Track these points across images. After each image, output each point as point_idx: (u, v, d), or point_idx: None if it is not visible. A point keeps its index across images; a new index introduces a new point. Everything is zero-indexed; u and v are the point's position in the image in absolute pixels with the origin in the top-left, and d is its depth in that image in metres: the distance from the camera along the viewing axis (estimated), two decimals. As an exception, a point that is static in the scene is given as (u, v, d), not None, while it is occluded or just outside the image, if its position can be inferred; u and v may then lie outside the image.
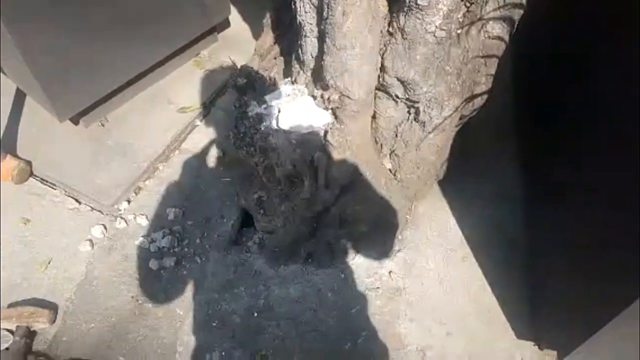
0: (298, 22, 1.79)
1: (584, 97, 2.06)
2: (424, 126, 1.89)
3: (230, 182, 2.40)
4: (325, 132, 1.86)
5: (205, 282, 2.12)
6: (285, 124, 1.81)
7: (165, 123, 2.58)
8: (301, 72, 1.99)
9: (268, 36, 2.37)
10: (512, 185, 2.45)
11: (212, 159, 2.49)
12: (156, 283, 2.11)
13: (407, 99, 1.82)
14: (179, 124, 2.59)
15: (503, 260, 2.19)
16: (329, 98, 1.80)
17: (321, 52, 1.75)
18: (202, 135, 2.58)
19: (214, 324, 2.03)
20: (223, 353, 1.96)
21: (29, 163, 2.37)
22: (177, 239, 2.23)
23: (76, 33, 2.16)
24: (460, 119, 1.96)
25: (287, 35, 2.22)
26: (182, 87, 2.74)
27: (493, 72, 1.84)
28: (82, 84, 2.31)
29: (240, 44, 2.97)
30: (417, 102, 1.81)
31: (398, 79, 1.75)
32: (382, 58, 1.72)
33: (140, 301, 2.07)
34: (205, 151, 2.51)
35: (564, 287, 1.95)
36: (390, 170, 2.10)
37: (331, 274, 2.15)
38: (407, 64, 1.68)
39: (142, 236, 2.23)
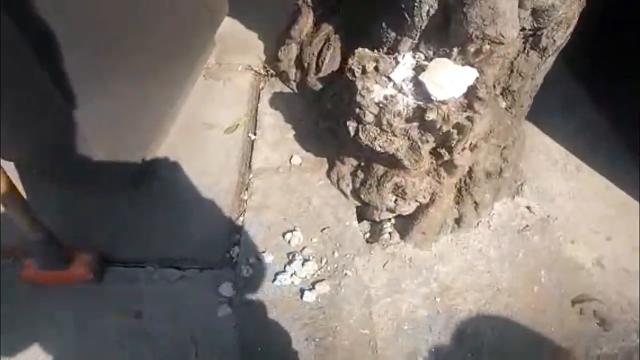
0: (415, -20, 1.64)
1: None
2: (544, 52, 1.86)
3: (323, 183, 2.20)
4: (474, 88, 1.74)
5: (369, 292, 1.95)
6: (440, 94, 1.67)
7: (220, 149, 2.26)
8: (404, 38, 1.84)
9: (305, 18, 2.17)
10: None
11: (294, 167, 2.25)
12: (321, 315, 1.90)
13: (533, 29, 1.77)
14: (234, 145, 2.28)
15: (618, 158, 2.29)
16: (476, 51, 1.68)
17: (457, 5, 1.62)
18: (266, 147, 2.31)
19: (405, 327, 1.89)
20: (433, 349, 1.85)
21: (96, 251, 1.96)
22: (315, 262, 2.01)
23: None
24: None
25: (346, 8, 2.04)
26: (210, 105, 2.41)
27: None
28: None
29: (238, 42, 2.67)
30: (543, 29, 1.77)
31: (533, 9, 1.68)
32: (519, -8, 1.65)
33: (317, 340, 1.85)
34: (280, 162, 2.25)
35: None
36: (505, 108, 2.05)
37: (480, 235, 2.10)
38: (547, -10, 1.62)
39: (277, 274, 1.98)
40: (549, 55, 1.88)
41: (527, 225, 2.12)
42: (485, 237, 2.09)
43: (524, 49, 1.87)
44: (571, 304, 1.93)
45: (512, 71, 1.94)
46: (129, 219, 2.07)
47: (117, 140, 1.90)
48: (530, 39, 1.83)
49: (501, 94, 2.02)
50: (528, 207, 2.16)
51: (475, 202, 2.03)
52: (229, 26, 2.68)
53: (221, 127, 2.34)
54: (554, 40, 1.81)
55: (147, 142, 2.13)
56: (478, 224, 2.10)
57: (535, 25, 1.75)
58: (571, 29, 1.80)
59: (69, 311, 1.84)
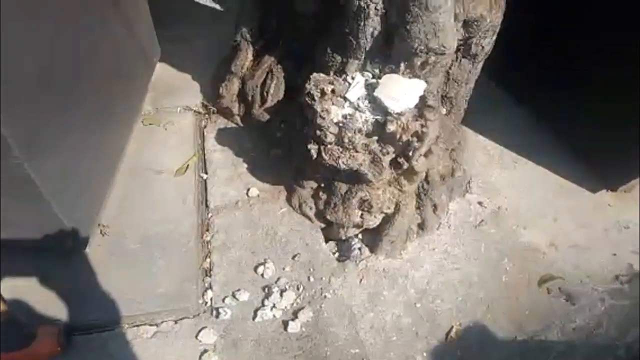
0: (358, 6, 1.71)
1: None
2: (475, 58, 2.01)
3: (285, 211, 2.20)
4: (424, 98, 1.83)
5: (351, 310, 1.96)
6: (396, 107, 1.74)
7: (173, 193, 2.19)
8: (350, 60, 1.90)
9: (245, 53, 2.19)
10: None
11: (253, 200, 2.22)
12: (309, 343, 1.88)
13: (464, 39, 1.91)
14: (187, 187, 2.22)
15: (546, 145, 2.50)
16: (422, 63, 1.78)
17: (399, 24, 1.71)
18: (220, 184, 2.26)
19: (394, 338, 1.92)
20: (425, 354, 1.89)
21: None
22: (292, 290, 1.99)
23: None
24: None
25: (287, 39, 2.09)
26: (154, 151, 2.33)
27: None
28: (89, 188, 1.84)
29: (172, 85, 2.62)
30: (472, 37, 1.92)
31: (465, 21, 1.82)
32: (451, 5, 1.77)
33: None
34: (238, 197, 2.22)
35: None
36: (446, 113, 2.18)
37: (443, 235, 2.19)
38: (476, 2, 1.76)
39: (256, 310, 1.93)
40: (479, 61, 2.04)
41: (482, 220, 2.25)
42: (448, 237, 2.18)
43: (457, 57, 2.01)
44: (538, 286, 2.05)
45: (448, 79, 2.07)
46: (87, 282, 1.93)
47: (73, 196, 1.78)
48: (462, 48, 1.97)
49: (441, 101, 2.14)
50: (479, 203, 2.29)
51: (434, 205, 2.12)
52: (161, 71, 2.63)
53: (170, 171, 2.26)
54: (483, 47, 1.96)
55: (99, 194, 2.02)
56: (439, 226, 2.19)
57: (466, 35, 1.89)
58: (495, 36, 1.96)
59: (41, 392, 1.68)
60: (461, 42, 1.93)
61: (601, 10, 2.17)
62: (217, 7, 3.18)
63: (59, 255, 1.92)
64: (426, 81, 1.86)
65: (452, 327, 1.94)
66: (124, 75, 2.13)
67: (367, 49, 1.85)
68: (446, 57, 1.82)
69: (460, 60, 2.02)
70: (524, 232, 2.23)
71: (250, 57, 2.17)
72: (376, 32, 1.79)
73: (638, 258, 2.17)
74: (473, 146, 2.51)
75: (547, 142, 2.55)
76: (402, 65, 1.82)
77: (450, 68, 2.03)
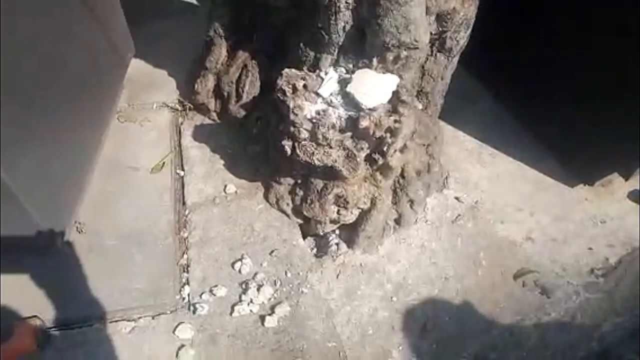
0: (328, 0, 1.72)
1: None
2: (449, 53, 2.02)
3: (263, 207, 2.20)
4: (397, 93, 1.84)
5: (328, 304, 1.97)
6: (369, 102, 1.75)
7: (150, 190, 2.19)
8: (323, 55, 1.91)
9: (219, 48, 2.19)
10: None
11: (230, 196, 2.22)
12: (286, 337, 1.89)
13: (438, 33, 1.92)
14: (164, 184, 2.22)
15: (524, 140, 2.52)
16: (394, 58, 1.79)
17: (370, 19, 1.72)
18: (197, 181, 2.26)
19: (370, 332, 1.93)
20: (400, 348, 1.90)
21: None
22: (269, 286, 2.00)
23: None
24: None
25: (261, 34, 2.09)
26: (130, 148, 2.32)
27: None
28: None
29: (147, 81, 2.61)
30: (446, 31, 1.92)
31: (437, 15, 1.83)
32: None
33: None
34: (215, 193, 2.22)
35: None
36: (422, 108, 2.18)
37: (420, 230, 2.21)
38: (448, -4, 1.78)
39: (234, 305, 1.94)
40: (454, 56, 2.04)
41: (459, 215, 2.26)
42: (424, 231, 2.20)
43: (432, 52, 2.02)
44: (513, 279, 2.07)
45: (423, 74, 2.08)
46: (64, 279, 1.93)
47: (47, 195, 1.78)
48: (437, 42, 1.98)
49: (416, 96, 2.15)
50: (457, 198, 2.31)
51: (410, 200, 2.13)
52: (136, 67, 2.61)
53: (146, 168, 2.26)
54: (457, 41, 1.97)
55: (75, 192, 2.01)
56: (416, 221, 2.20)
57: (440, 29, 1.90)
58: (470, 30, 1.97)
59: (19, 389, 1.68)
60: (435, 37, 1.94)
61: (574, 3, 2.18)
62: (194, 1, 3.17)
63: (35, 254, 1.92)
64: (399, 76, 1.87)
65: (428, 320, 1.95)
66: (97, 72, 2.12)
67: (339, 43, 1.86)
68: (419, 52, 1.83)
69: (436, 55, 2.02)
70: (500, 227, 2.25)
71: (224, 52, 2.17)
72: (348, 27, 1.80)
73: (613, 252, 2.19)
74: (450, 141, 2.53)
75: (525, 137, 2.57)
76: (375, 60, 1.83)
77: (425, 63, 2.04)
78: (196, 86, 2.32)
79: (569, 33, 2.21)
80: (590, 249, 2.21)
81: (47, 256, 1.95)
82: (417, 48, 1.78)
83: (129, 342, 1.82)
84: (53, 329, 1.81)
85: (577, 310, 1.99)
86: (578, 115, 2.30)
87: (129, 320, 1.87)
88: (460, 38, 1.96)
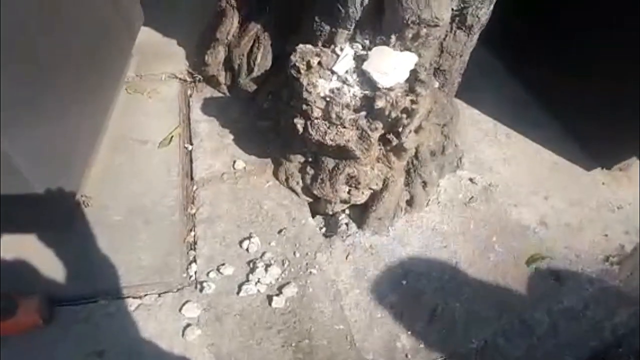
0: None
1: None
2: (470, 30, 1.93)
3: (272, 185, 2.16)
4: (415, 72, 1.77)
5: (337, 286, 1.94)
6: (386, 82, 1.68)
7: (158, 165, 2.14)
8: (339, 30, 1.83)
9: (231, 19, 2.11)
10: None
11: (239, 172, 2.17)
12: (293, 318, 1.87)
13: (459, 9, 1.83)
14: (172, 159, 2.17)
15: (541, 121, 2.44)
16: (414, 36, 1.71)
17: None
18: (206, 156, 2.21)
19: (378, 315, 1.91)
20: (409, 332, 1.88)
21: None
22: (277, 266, 1.97)
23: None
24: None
25: (274, 5, 2.00)
26: (138, 120, 2.27)
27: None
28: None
29: (157, 51, 2.53)
30: (468, 7, 1.83)
31: (460, -12, 1.74)
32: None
33: (294, 345, 1.82)
34: (224, 169, 2.17)
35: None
36: (439, 87, 2.11)
37: (432, 212, 2.16)
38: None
39: (241, 284, 1.91)
40: (475, 33, 1.95)
41: (472, 197, 2.21)
42: (436, 214, 2.15)
43: (452, 29, 1.92)
44: (526, 265, 2.03)
45: (442, 51, 1.99)
46: (70, 253, 1.90)
47: (52, 169, 1.74)
48: (457, 19, 1.88)
49: (434, 74, 2.07)
50: (470, 179, 2.25)
51: (423, 182, 2.08)
52: (145, 36, 2.53)
53: (154, 142, 2.21)
54: (479, 18, 1.88)
55: (81, 166, 1.97)
56: (428, 203, 2.16)
57: (461, 5, 1.81)
58: (492, 6, 1.88)
59: (25, 363, 1.67)
60: (456, 13, 1.85)
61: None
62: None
63: (39, 228, 1.89)
64: (418, 54, 1.80)
65: (438, 305, 1.92)
66: (105, 41, 2.05)
67: (356, 18, 1.78)
68: (439, 29, 1.75)
69: (455, 32, 1.93)
70: (514, 210, 2.20)
71: (236, 23, 2.09)
72: (366, 1, 1.71)
73: (629, 239, 2.14)
74: (466, 121, 2.45)
75: (542, 118, 2.49)
76: (393, 37, 1.75)
77: (444, 40, 1.95)
78: (206, 57, 2.25)
79: (590, 12, 2.11)
80: (606, 235, 2.16)
81: (51, 231, 1.92)
82: (437, 26, 1.70)
83: (135, 320, 1.80)
84: (58, 304, 1.79)
85: (590, 299, 1.95)
86: (599, 97, 2.22)
87: (134, 297, 1.85)
88: (482, 15, 1.87)
